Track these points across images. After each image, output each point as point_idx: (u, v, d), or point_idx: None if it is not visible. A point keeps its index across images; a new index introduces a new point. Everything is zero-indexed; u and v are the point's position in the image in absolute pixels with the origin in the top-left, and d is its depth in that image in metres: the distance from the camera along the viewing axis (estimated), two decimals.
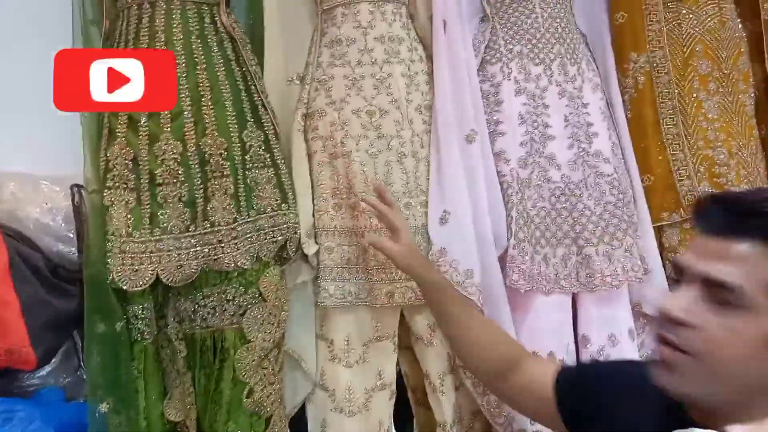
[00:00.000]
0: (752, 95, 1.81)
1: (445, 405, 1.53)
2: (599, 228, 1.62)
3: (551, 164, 1.62)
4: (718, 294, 0.82)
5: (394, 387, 1.57)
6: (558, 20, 1.68)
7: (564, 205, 1.62)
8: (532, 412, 1.22)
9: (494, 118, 1.63)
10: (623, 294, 1.65)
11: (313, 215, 1.53)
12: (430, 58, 1.60)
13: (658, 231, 1.72)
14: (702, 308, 0.84)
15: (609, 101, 1.74)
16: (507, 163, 1.60)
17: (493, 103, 1.64)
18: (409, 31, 1.59)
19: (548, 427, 1.15)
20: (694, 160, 1.72)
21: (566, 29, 1.69)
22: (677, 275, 0.89)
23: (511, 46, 1.66)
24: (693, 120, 1.74)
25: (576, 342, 1.64)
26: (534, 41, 1.66)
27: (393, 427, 1.57)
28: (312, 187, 1.54)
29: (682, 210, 1.70)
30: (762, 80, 1.83)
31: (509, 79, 1.64)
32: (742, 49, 1.80)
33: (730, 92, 1.75)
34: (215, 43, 1.46)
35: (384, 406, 1.53)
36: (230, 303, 1.41)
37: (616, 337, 1.62)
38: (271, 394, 1.43)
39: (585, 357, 1.63)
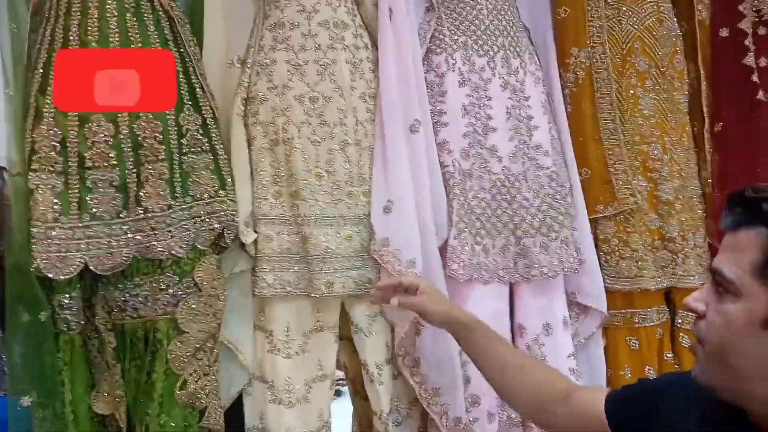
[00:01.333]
0: (686, 93, 1.87)
1: (382, 394, 1.53)
2: (537, 219, 1.65)
3: (492, 156, 1.64)
4: (718, 282, 0.87)
5: (334, 377, 1.56)
6: (502, 13, 1.69)
7: (504, 197, 1.64)
8: None
9: (438, 108, 1.64)
10: (559, 284, 1.69)
11: (252, 203, 1.49)
12: (375, 45, 1.58)
13: (594, 223, 1.77)
14: (711, 299, 0.88)
15: (549, 95, 1.76)
16: (450, 153, 1.62)
17: (437, 93, 1.64)
18: (354, 17, 1.57)
19: None
20: (630, 155, 1.78)
21: (510, 22, 1.71)
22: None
23: (456, 37, 1.66)
24: (630, 116, 1.79)
25: (512, 331, 1.67)
26: (479, 33, 1.67)
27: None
28: (251, 174, 1.50)
29: (616, 203, 1.75)
30: (695, 78, 1.89)
31: (453, 70, 1.64)
32: (678, 48, 1.86)
33: (666, 89, 1.81)
34: (152, 22, 1.40)
35: (324, 397, 1.52)
36: (163, 292, 1.36)
37: (552, 326, 1.66)
38: (205, 385, 1.40)
39: (521, 346, 1.66)
